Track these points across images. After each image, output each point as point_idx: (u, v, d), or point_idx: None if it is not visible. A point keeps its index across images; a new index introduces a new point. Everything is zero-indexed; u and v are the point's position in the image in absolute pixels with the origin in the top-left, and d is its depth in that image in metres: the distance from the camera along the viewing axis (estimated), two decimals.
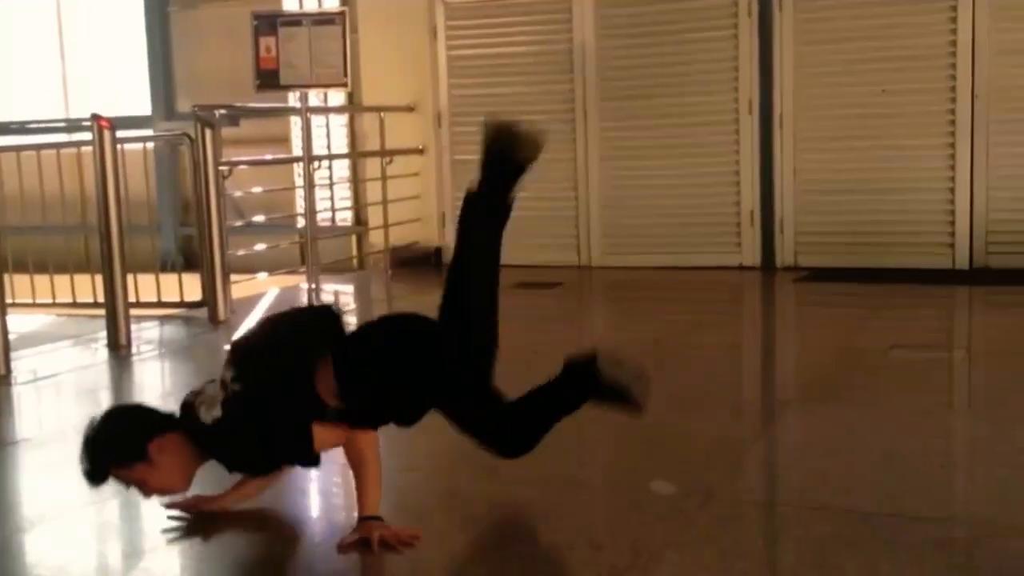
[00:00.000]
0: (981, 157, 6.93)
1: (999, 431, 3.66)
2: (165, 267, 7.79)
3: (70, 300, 6.47)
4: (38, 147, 6.87)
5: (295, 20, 6.41)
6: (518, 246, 7.98)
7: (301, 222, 8.84)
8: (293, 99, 8.20)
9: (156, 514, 3.04)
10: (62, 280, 6.51)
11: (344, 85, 6.47)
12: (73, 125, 8.05)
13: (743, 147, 7.44)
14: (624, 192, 7.81)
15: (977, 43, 6.85)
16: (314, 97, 7.70)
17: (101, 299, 5.76)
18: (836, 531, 2.74)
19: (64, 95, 9.97)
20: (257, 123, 8.57)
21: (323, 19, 6.35)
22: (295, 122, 9.49)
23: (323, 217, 8.38)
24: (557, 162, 7.89)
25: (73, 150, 6.74)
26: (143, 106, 9.73)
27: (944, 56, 6.93)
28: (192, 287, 6.37)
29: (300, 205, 8.99)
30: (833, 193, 7.31)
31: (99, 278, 5.76)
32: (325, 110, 8.56)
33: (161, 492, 2.85)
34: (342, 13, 6.34)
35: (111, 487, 2.81)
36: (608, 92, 7.74)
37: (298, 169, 8.90)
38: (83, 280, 6.37)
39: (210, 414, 2.67)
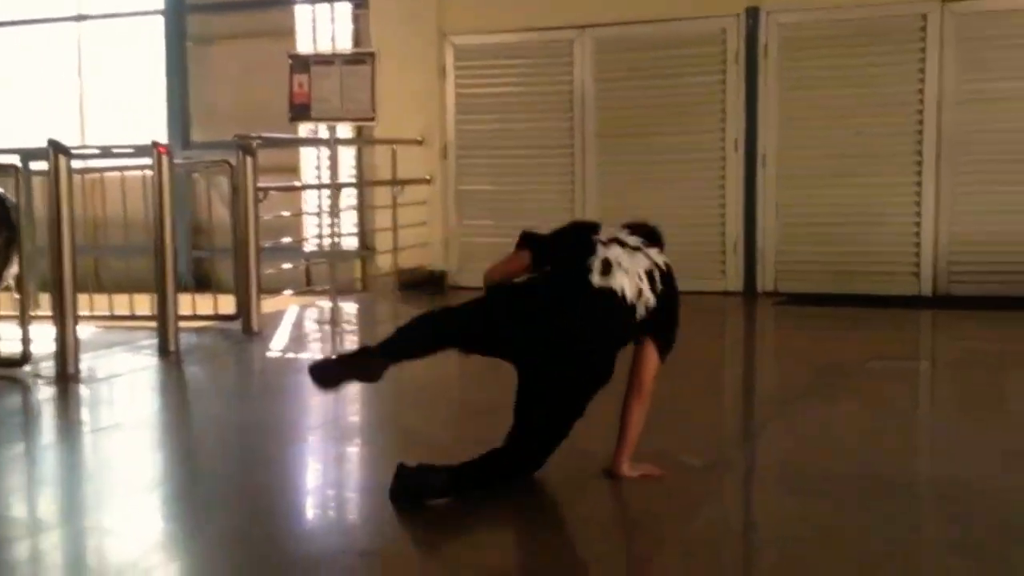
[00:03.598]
0: (945, 194, 7.64)
1: (962, 417, 4.46)
2: (178, 287, 8.17)
3: (107, 313, 7.01)
4: (82, 171, 7.32)
5: (328, 60, 6.98)
6: None
7: (307, 246, 9.51)
8: (303, 131, 8.77)
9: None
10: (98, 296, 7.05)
11: (371, 119, 7.01)
12: (106, 149, 8.50)
13: (729, 183, 8.11)
14: (618, 222, 8.41)
15: (943, 92, 7.58)
16: (324, 129, 8.22)
17: (139, 312, 6.69)
18: (826, 488, 3.41)
19: (81, 123, 10.48)
20: (268, 153, 9.09)
21: (354, 59, 6.91)
22: (304, 153, 10.09)
23: (329, 242, 8.90)
24: (557, 193, 8.54)
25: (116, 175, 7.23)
26: (156, 135, 10.22)
27: (913, 103, 7.66)
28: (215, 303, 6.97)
29: (309, 230, 9.62)
30: (811, 225, 7.99)
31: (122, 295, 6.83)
32: (352, 142, 9.07)
33: None
34: (371, 54, 6.92)
35: None
36: (604, 129, 8.39)
37: (307, 196, 9.57)
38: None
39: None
